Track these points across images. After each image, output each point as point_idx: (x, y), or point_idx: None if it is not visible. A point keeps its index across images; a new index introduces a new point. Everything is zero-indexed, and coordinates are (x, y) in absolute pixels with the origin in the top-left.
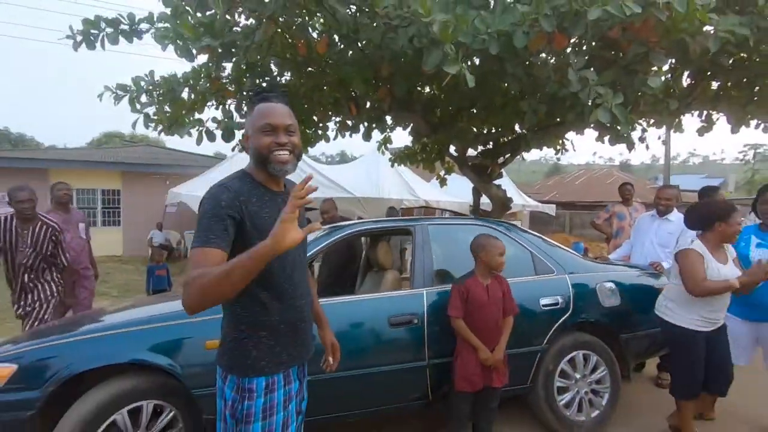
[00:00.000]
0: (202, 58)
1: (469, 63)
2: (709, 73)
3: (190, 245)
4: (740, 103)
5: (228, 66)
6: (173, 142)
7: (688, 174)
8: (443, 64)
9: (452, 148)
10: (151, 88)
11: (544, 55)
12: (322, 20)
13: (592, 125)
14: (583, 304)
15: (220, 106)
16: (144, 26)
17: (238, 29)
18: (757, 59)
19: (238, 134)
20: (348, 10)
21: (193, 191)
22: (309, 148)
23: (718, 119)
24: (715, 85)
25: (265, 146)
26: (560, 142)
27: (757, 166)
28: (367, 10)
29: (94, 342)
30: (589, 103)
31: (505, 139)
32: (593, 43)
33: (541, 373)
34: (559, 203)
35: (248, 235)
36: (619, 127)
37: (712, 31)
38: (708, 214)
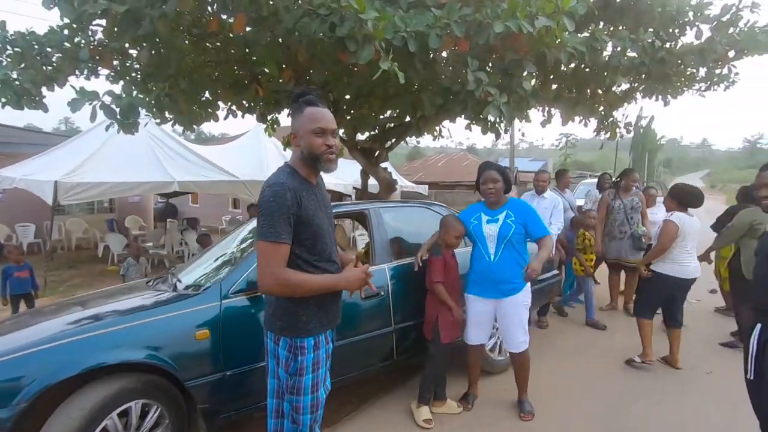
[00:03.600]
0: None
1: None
2: (552, 77)
3: (260, 235)
4: (570, 103)
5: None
6: None
7: (519, 157)
8: (363, 58)
9: (341, 132)
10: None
11: (444, 54)
12: None
13: (479, 117)
14: None
15: (120, 81)
16: None
17: None
18: (587, 70)
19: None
20: None
21: (32, 175)
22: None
23: (554, 115)
24: (554, 87)
25: (317, 146)
26: (438, 128)
27: (569, 152)
28: None
29: (83, 343)
30: (488, 100)
31: (392, 125)
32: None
33: None
34: (425, 183)
35: (298, 222)
36: (503, 122)
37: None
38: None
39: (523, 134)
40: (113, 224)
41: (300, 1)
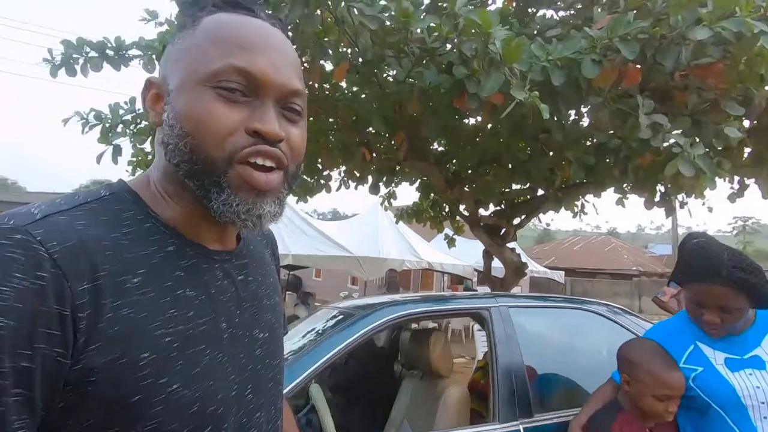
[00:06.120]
0: None
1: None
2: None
3: None
4: None
5: None
6: None
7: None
8: (487, 90)
9: (461, 206)
10: (129, 118)
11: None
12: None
13: (645, 183)
14: None
15: None
16: (133, 52)
17: None
18: None
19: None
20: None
21: None
22: (308, 197)
23: (748, 185)
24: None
25: (223, 132)
26: (579, 203)
27: (747, 239)
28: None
29: None
30: (675, 151)
31: (521, 199)
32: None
33: None
34: (559, 269)
35: (111, 375)
36: (698, 181)
37: None
38: None
39: (710, 209)
40: None
41: (414, 47)
